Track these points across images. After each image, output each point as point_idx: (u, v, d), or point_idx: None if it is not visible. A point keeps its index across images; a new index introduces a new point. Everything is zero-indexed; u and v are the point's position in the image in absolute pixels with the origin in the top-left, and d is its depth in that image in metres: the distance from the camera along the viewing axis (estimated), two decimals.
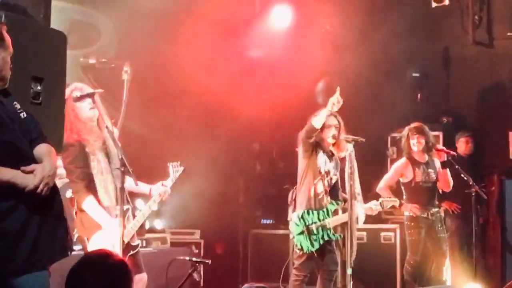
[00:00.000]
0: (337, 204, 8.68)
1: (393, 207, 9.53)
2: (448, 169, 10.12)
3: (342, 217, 8.66)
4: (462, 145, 11.66)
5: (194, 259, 6.87)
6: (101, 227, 6.96)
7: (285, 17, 12.96)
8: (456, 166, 10.40)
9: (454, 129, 12.16)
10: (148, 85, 11.16)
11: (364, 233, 11.69)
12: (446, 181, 10.20)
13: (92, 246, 6.95)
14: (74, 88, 7.03)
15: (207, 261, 6.82)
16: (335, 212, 8.69)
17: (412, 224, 10.13)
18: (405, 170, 10.11)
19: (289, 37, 13.01)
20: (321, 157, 8.70)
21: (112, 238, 6.82)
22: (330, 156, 8.79)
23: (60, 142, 5.68)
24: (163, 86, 11.49)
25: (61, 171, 8.88)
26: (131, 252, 6.95)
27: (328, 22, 12.91)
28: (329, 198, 8.70)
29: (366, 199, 9.47)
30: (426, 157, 10.18)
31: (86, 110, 7.11)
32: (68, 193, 8.80)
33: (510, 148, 12.00)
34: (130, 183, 7.17)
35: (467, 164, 11.22)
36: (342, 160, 8.84)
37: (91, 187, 7.04)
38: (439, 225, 10.18)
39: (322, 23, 12.98)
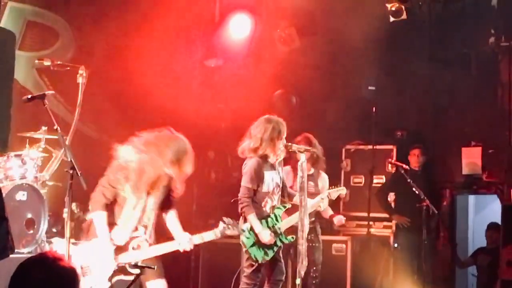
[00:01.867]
0: (284, 207, 8.63)
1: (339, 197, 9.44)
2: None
3: (292, 219, 8.58)
4: (412, 158, 11.73)
5: (139, 263, 6.79)
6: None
7: (244, 26, 12.98)
8: (408, 180, 10.48)
9: (408, 143, 12.25)
10: (104, 89, 11.13)
11: None
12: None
13: (77, 249, 7.01)
14: None
15: (152, 267, 6.76)
16: (283, 215, 8.65)
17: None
18: (287, 176, 9.88)
19: (247, 47, 13.03)
20: (267, 179, 8.50)
21: (99, 257, 6.91)
22: (274, 166, 8.64)
23: (5, 141, 5.65)
24: (119, 91, 11.46)
25: (12, 172, 8.83)
26: (121, 277, 6.94)
27: (286, 32, 12.93)
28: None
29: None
30: (312, 170, 10.06)
31: None
32: (18, 196, 8.75)
33: (463, 164, 12.10)
34: (173, 222, 7.35)
35: (420, 178, 11.30)
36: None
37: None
38: (313, 235, 10.08)
39: (279, 33, 13.01)
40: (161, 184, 7.11)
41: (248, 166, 8.48)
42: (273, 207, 8.55)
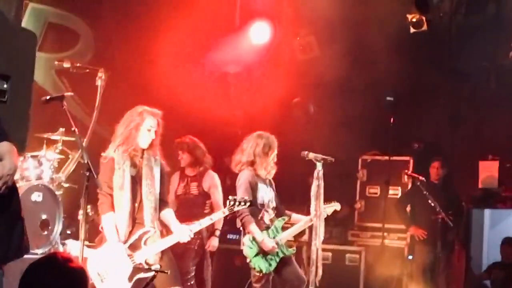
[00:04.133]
0: (283, 220, 8.66)
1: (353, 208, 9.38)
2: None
3: (292, 231, 8.68)
4: (432, 170, 11.66)
5: (153, 267, 6.80)
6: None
7: (264, 33, 12.98)
8: (424, 192, 10.45)
9: (425, 155, 12.19)
10: (123, 92, 11.14)
11: (330, 254, 11.72)
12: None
13: (92, 256, 7.08)
14: None
15: (166, 271, 6.76)
16: (284, 228, 8.67)
17: None
18: (172, 183, 9.80)
19: (267, 54, 13.04)
20: (261, 191, 8.54)
21: (111, 258, 6.97)
22: (265, 182, 8.66)
23: (23, 141, 5.66)
24: (138, 95, 11.45)
25: (28, 173, 8.83)
26: (141, 275, 6.96)
27: (305, 41, 12.93)
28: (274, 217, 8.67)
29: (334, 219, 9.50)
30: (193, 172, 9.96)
31: None
32: (34, 196, 8.75)
33: (480, 178, 12.04)
34: (169, 216, 7.36)
35: (439, 190, 11.25)
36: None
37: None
38: None
39: (299, 41, 13.01)
40: (146, 162, 7.18)
41: (242, 178, 8.55)
42: (271, 220, 8.57)
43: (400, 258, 11.81)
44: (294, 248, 8.57)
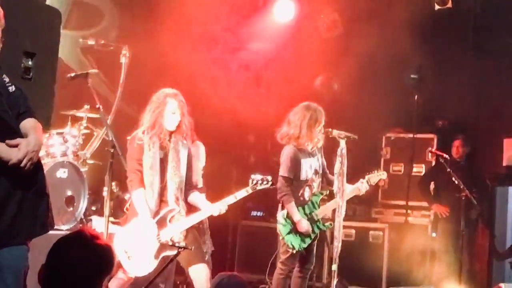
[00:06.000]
0: (321, 194, 8.64)
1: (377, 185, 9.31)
2: None
3: (330, 206, 8.57)
4: (453, 149, 11.63)
5: (177, 244, 6.86)
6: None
7: (288, 11, 12.94)
8: (448, 170, 10.43)
9: (449, 133, 12.15)
10: (147, 70, 11.18)
11: (353, 231, 11.76)
12: None
13: (118, 234, 7.19)
14: None
15: (190, 248, 6.82)
16: (322, 201, 8.65)
17: None
18: None
19: (291, 32, 13.01)
20: (304, 166, 8.51)
21: (141, 236, 7.05)
22: (312, 153, 8.61)
23: (48, 118, 5.71)
24: (161, 72, 11.49)
25: (54, 150, 8.91)
26: (167, 252, 7.04)
27: (329, 18, 12.89)
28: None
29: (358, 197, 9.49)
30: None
31: None
32: (59, 173, 8.83)
33: (504, 155, 11.98)
34: (197, 197, 7.48)
35: (463, 168, 11.23)
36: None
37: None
38: None
39: (323, 19, 12.96)
40: (173, 145, 7.22)
41: (285, 155, 8.51)
42: (311, 194, 8.57)
43: (424, 235, 11.80)
44: (330, 223, 8.53)
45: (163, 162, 7.21)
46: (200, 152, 9.25)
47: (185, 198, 7.37)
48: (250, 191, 7.45)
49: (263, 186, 7.47)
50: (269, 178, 7.54)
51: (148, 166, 7.14)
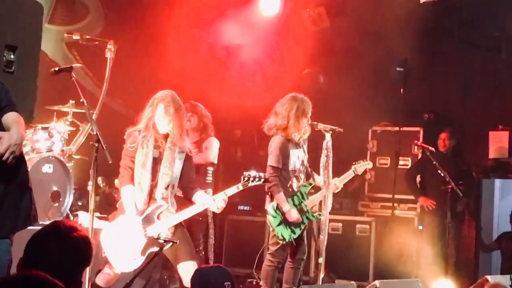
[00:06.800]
0: (310, 184, 8.65)
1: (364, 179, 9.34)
2: None
3: (318, 197, 8.58)
4: (439, 142, 11.65)
5: (161, 239, 6.84)
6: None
7: (274, 4, 12.92)
8: (434, 162, 10.45)
9: (435, 126, 12.18)
10: (132, 65, 11.16)
11: (340, 225, 11.78)
12: None
13: (106, 230, 7.19)
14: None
15: (175, 241, 6.79)
16: (310, 193, 8.67)
17: None
18: None
19: (277, 26, 13.01)
20: (292, 157, 8.53)
21: (126, 231, 7.05)
22: (299, 144, 8.63)
23: (31, 112, 5.68)
24: (147, 67, 11.49)
25: (39, 145, 8.89)
26: (154, 248, 7.03)
27: (315, 12, 12.88)
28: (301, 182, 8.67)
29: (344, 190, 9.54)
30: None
31: None
32: (44, 168, 8.80)
33: (490, 148, 12.02)
34: (199, 194, 7.42)
35: (449, 161, 11.26)
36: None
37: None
38: None
39: (309, 13, 12.96)
40: (169, 145, 7.20)
41: (274, 145, 8.52)
42: (299, 186, 8.58)
43: (410, 228, 11.84)
44: (319, 213, 8.55)
45: (156, 161, 7.19)
46: (210, 146, 9.62)
47: (189, 197, 7.36)
48: (241, 187, 7.37)
49: (255, 183, 7.39)
50: (262, 175, 7.48)
51: (139, 164, 7.14)
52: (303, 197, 8.57)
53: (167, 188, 7.21)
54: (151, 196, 7.18)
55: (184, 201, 7.56)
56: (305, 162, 8.67)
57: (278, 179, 8.38)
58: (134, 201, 7.09)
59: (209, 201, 7.31)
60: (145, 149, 7.16)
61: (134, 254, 7.03)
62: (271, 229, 8.52)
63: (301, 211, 8.48)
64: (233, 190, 7.39)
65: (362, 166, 9.02)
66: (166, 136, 7.27)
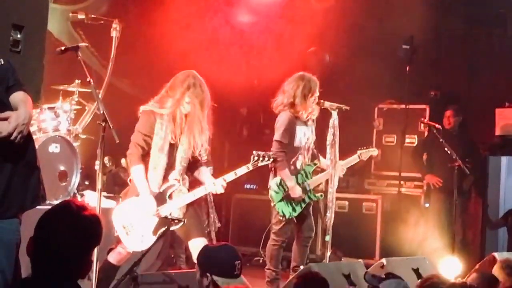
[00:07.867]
0: (315, 164, 8.65)
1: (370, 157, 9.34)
2: None
3: (322, 177, 8.63)
4: (444, 119, 11.62)
5: (169, 217, 6.84)
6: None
7: None
8: (440, 140, 10.43)
9: (441, 103, 12.16)
10: (138, 44, 11.14)
11: (346, 203, 11.79)
12: None
13: (117, 209, 7.16)
14: None
15: (182, 220, 6.80)
16: (314, 173, 8.67)
17: None
18: None
19: (282, 4, 12.97)
20: (298, 134, 8.54)
21: (140, 212, 7.00)
22: (306, 122, 8.64)
23: (38, 91, 5.66)
24: (153, 46, 11.47)
25: (46, 125, 8.89)
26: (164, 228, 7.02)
27: None
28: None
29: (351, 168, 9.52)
30: None
31: None
32: (51, 148, 8.81)
33: (496, 125, 11.99)
34: (203, 171, 7.39)
35: (456, 138, 11.25)
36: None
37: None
38: None
39: None
40: (189, 130, 7.14)
41: (281, 120, 8.53)
42: (303, 164, 8.59)
43: (417, 206, 11.87)
44: (322, 194, 8.55)
45: (173, 145, 7.15)
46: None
47: (191, 173, 7.35)
48: (251, 167, 7.32)
49: (264, 163, 7.37)
50: (270, 154, 7.47)
51: (157, 147, 7.05)
52: (306, 176, 8.57)
53: (183, 169, 7.19)
54: (165, 178, 7.15)
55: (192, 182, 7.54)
56: (312, 144, 8.66)
57: (284, 155, 8.38)
58: (146, 181, 7.05)
59: (210, 186, 7.28)
60: (164, 131, 7.09)
61: (146, 234, 7.03)
62: (272, 204, 8.52)
63: (303, 190, 8.49)
64: (243, 170, 7.36)
65: (367, 152, 8.97)
66: (185, 119, 7.18)
